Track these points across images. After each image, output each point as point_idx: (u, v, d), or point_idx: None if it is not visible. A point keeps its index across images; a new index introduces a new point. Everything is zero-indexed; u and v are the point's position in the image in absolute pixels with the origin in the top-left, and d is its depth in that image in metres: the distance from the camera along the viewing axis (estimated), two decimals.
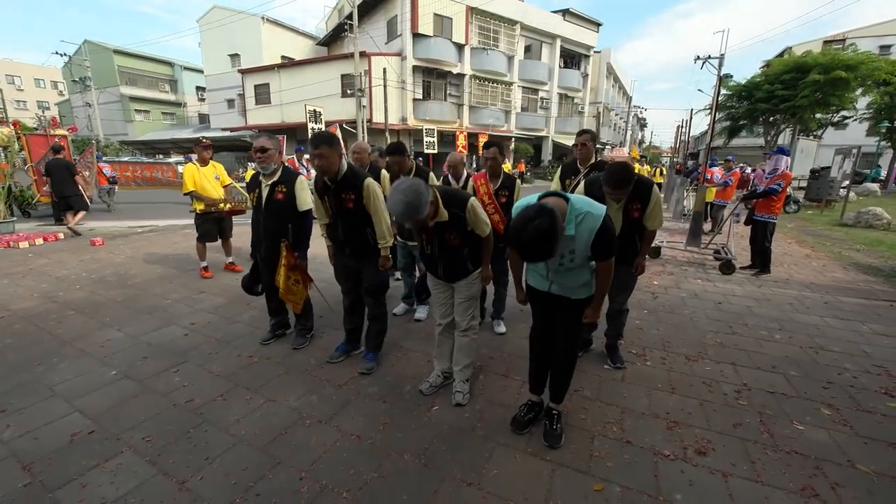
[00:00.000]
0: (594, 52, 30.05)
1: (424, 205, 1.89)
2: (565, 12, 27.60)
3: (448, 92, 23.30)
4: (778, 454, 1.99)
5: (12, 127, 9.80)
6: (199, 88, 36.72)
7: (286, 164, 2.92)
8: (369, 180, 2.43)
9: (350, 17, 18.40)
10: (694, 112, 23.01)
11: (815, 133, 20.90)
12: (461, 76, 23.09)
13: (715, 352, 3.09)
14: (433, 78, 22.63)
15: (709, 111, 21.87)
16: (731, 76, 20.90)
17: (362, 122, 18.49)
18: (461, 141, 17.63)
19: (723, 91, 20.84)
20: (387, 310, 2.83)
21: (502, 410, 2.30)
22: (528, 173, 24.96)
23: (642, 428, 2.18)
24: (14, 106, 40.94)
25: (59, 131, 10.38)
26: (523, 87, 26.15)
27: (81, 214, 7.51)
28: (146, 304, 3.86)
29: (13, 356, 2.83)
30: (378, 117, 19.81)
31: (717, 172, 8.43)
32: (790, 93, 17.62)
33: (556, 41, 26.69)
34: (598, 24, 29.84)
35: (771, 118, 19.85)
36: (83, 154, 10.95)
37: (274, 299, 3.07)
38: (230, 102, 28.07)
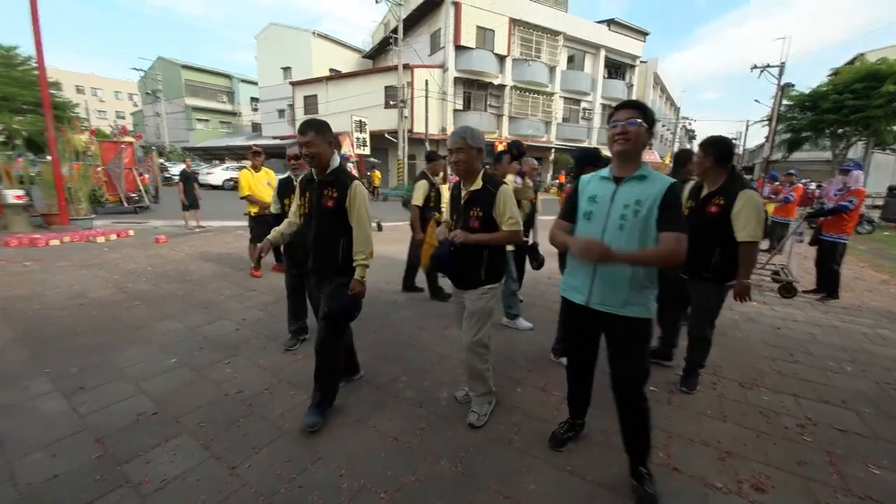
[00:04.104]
0: (640, 61, 29.20)
1: (482, 138, 2.06)
2: (610, 22, 27.10)
3: (488, 103, 23.45)
4: (850, 499, 1.80)
5: (89, 134, 11.04)
6: (253, 99, 39.30)
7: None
8: (358, 183, 2.15)
9: (395, 30, 19.08)
10: (750, 123, 21.70)
11: (892, 147, 19.02)
12: (502, 87, 23.18)
13: (773, 380, 2.86)
14: (474, 89, 22.88)
15: (767, 122, 20.57)
16: (794, 85, 19.56)
17: (403, 132, 18.98)
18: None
19: (784, 101, 19.54)
20: (341, 348, 2.29)
21: (540, 424, 2.25)
22: (569, 184, 24.48)
23: (691, 455, 2.05)
24: (96, 115, 45.66)
25: (127, 139, 11.58)
26: (565, 98, 25.83)
27: (198, 212, 8.38)
28: (202, 299, 4.14)
29: (90, 339, 3.13)
30: (419, 127, 20.26)
31: (767, 188, 7.91)
32: (862, 103, 16.19)
33: (600, 51, 26.21)
34: (645, 34, 29.01)
35: (839, 130, 18.30)
36: (143, 160, 12.15)
37: (300, 304, 3.15)
38: (281, 112, 29.80)
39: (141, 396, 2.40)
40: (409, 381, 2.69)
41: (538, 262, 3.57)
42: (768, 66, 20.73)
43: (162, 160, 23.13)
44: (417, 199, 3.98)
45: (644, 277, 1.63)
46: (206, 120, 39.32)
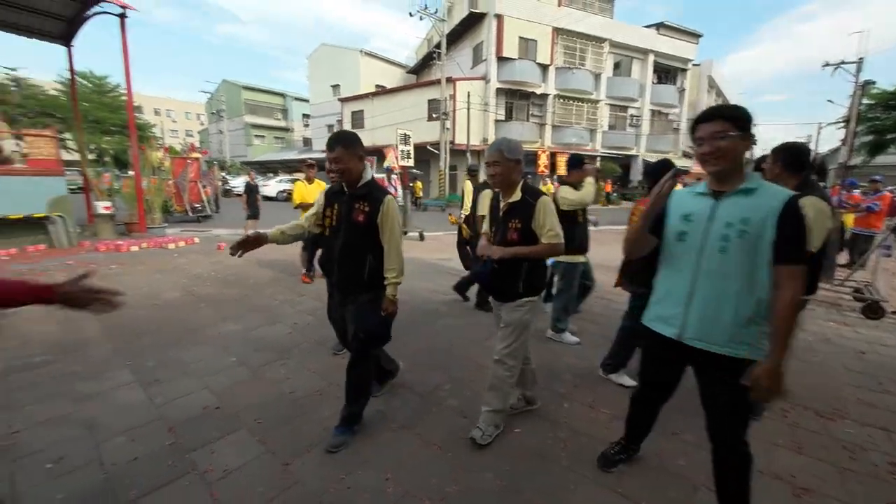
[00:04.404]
0: (693, 65, 27.80)
1: (519, 149, 2.04)
2: (659, 26, 26.10)
3: (531, 112, 23.32)
4: None
5: (163, 152, 12.42)
6: (304, 116, 41.80)
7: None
8: (390, 198, 2.10)
9: (438, 45, 19.57)
10: (822, 126, 19.86)
11: None
12: (544, 96, 22.98)
13: (858, 411, 2.56)
14: (516, 99, 22.87)
15: (843, 124, 18.72)
16: (874, 82, 17.67)
17: (445, 144, 19.30)
18: (543, 160, 17.43)
19: (863, 100, 17.71)
20: (372, 368, 2.28)
21: (587, 441, 2.17)
22: (615, 193, 23.61)
23: (760, 489, 1.86)
24: (169, 134, 50.62)
25: (194, 154, 12.87)
26: (611, 105, 25.10)
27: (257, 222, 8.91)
28: (258, 303, 4.42)
29: (163, 337, 3.43)
30: (460, 138, 20.51)
31: (842, 194, 7.19)
32: None
33: (648, 56, 25.28)
34: (698, 36, 27.62)
35: None
36: (207, 173, 13.45)
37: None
38: (330, 127, 31.40)
39: (205, 391, 2.59)
40: (452, 389, 2.69)
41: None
42: (843, 62, 18.93)
43: (223, 173, 25.22)
44: (483, 208, 3.98)
45: (754, 309, 1.35)
46: (263, 136, 42.29)
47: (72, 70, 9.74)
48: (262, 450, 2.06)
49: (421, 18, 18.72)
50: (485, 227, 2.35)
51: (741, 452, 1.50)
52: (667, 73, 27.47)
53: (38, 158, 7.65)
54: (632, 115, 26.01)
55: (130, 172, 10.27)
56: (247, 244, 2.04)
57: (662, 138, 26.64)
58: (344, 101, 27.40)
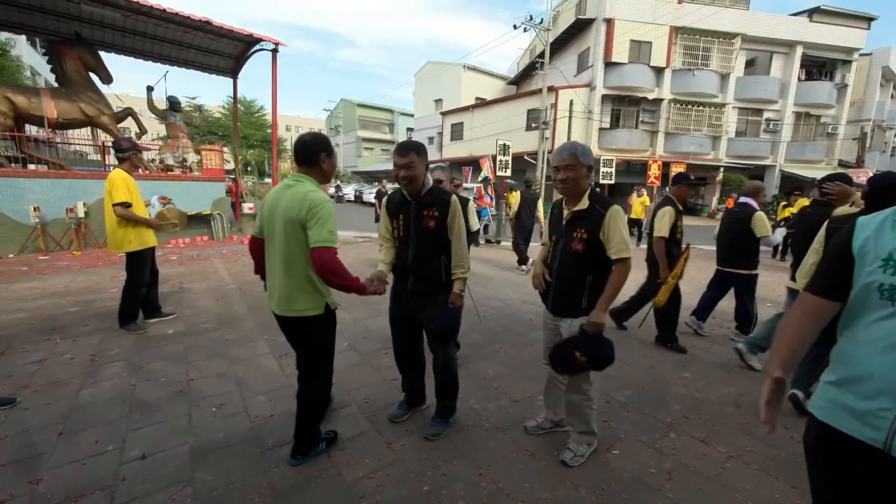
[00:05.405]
0: (860, 54, 22.74)
1: (591, 153, 1.94)
2: (813, 11, 21.98)
3: (640, 119, 21.57)
4: None
5: (292, 162, 14.77)
6: (408, 129, 44.89)
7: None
8: (455, 198, 2.17)
9: (542, 55, 19.38)
10: None
11: None
12: (657, 101, 21.06)
13: None
14: (624, 105, 21.40)
15: None
16: None
17: (543, 154, 18.95)
18: (654, 171, 15.94)
19: None
20: (455, 364, 2.33)
21: (699, 480, 1.95)
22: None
23: None
24: None
25: None
26: (740, 109, 21.88)
27: None
28: (364, 298, 4.86)
29: None
30: None
31: None
32: None
33: (794, 49, 21.45)
34: (870, 19, 22.55)
35: None
36: None
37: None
38: (431, 140, 33.20)
39: None
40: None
41: None
42: None
43: (337, 181, 28.49)
44: (662, 229, 3.40)
45: None
46: (371, 148, 46.57)
47: (235, 97, 12.05)
48: (369, 426, 2.30)
49: (525, 30, 18.79)
50: (544, 237, 2.24)
51: None
52: (820, 67, 22.96)
53: (208, 168, 9.63)
54: (768, 119, 22.29)
55: (266, 179, 12.25)
56: (380, 282, 2.16)
57: (810, 145, 22.22)
58: (445, 114, 28.73)
